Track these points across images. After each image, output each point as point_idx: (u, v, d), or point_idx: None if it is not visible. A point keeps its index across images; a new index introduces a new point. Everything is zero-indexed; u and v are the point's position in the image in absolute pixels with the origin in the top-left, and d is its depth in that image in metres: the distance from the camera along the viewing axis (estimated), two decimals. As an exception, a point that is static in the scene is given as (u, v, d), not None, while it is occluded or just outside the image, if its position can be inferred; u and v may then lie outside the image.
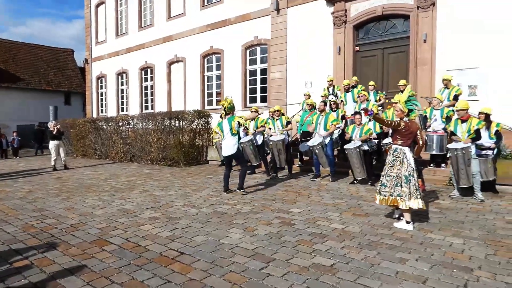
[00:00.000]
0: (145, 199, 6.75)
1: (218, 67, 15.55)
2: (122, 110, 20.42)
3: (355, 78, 9.78)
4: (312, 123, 8.29)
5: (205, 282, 3.29)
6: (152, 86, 18.58)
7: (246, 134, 9.01)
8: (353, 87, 9.57)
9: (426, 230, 4.62)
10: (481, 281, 3.21)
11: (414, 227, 4.68)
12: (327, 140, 8.01)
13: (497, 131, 6.52)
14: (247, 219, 5.27)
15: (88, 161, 14.37)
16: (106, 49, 20.97)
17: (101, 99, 22.02)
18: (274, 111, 8.92)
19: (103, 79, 21.57)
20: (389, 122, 5.03)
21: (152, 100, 18.63)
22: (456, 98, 7.88)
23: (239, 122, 6.80)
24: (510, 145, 7.53)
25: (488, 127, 6.50)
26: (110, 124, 14.57)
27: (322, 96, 9.94)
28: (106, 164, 12.91)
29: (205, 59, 16.08)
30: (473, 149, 6.22)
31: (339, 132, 8.82)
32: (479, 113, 6.61)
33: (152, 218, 5.39)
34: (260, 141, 8.93)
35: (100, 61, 21.40)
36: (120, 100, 20.65)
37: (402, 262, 3.63)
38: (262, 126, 8.94)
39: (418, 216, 5.12)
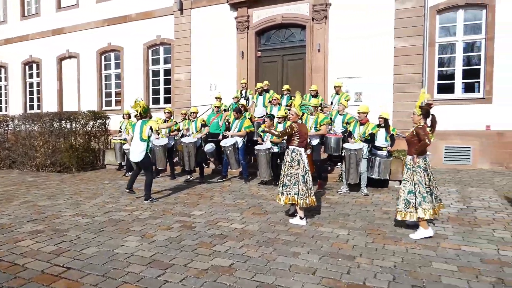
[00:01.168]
0: (27, 210, 5.97)
1: (118, 66, 14.65)
2: (0, 110, 17.85)
3: (266, 82, 10.03)
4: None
5: (94, 296, 3.04)
6: (38, 84, 16.62)
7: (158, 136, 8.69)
8: (266, 91, 9.82)
9: (317, 224, 5.00)
10: (361, 267, 3.58)
11: (307, 222, 5.02)
12: (240, 143, 8.12)
13: (392, 135, 7.27)
14: (146, 225, 5.04)
15: (-46, 168, 12.15)
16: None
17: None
18: (191, 113, 8.73)
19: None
20: (281, 133, 5.33)
21: (38, 99, 16.67)
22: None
23: (151, 127, 6.39)
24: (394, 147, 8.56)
25: (386, 130, 7.20)
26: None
27: (233, 98, 10.00)
28: (-21, 172, 11.08)
29: (103, 56, 15.00)
30: (364, 150, 6.90)
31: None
32: (379, 117, 7.28)
33: (33, 232, 4.79)
34: (171, 144, 8.74)
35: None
36: (-3, 99, 18.05)
37: (295, 256, 3.86)
38: (176, 130, 8.76)
39: (311, 211, 5.51)
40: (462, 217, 5.27)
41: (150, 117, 6.78)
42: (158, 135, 8.53)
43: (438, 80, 10.06)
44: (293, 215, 5.26)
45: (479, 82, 9.67)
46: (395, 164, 7.53)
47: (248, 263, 3.70)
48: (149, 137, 6.42)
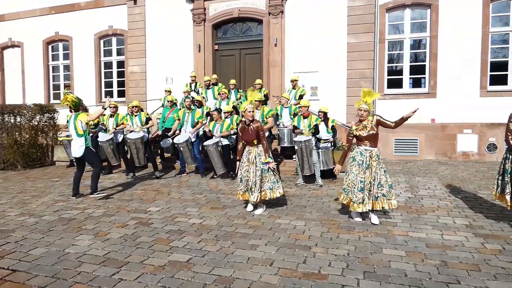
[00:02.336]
0: (-34, 211, 5.53)
1: (67, 56, 13.88)
2: None
3: (214, 76, 10.04)
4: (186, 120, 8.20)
5: (43, 299, 2.89)
6: (-24, 75, 15.32)
7: (105, 131, 8.32)
8: (214, 84, 9.80)
9: (275, 216, 5.09)
10: (317, 256, 3.70)
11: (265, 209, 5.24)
12: (193, 138, 8.01)
13: (333, 126, 7.66)
14: (99, 223, 4.86)
15: None
16: None
17: None
18: (133, 107, 8.43)
19: None
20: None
21: (-23, 91, 15.38)
22: (301, 97, 8.89)
23: (81, 121, 6.06)
24: (342, 138, 8.93)
25: (326, 123, 7.56)
26: None
27: (184, 92, 9.88)
28: None
29: (50, 46, 14.14)
30: (313, 142, 7.15)
31: (203, 129, 8.92)
32: (319, 112, 7.63)
33: (-26, 234, 4.46)
34: (120, 139, 8.36)
35: None
36: None
37: (253, 249, 3.90)
38: (122, 123, 8.39)
39: (269, 204, 5.60)
40: (410, 205, 5.59)
41: (85, 110, 6.40)
42: (106, 130, 8.22)
43: (388, 75, 10.56)
44: (256, 207, 5.33)
45: (425, 78, 10.27)
46: (339, 155, 7.78)
47: (206, 257, 3.69)
48: (84, 131, 6.09)
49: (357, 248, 3.88)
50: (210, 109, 9.58)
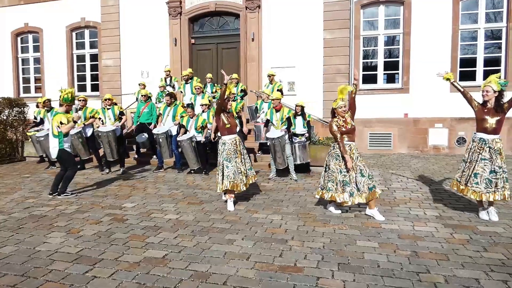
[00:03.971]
0: None
1: (37, 49, 13.37)
2: None
3: (189, 70, 9.90)
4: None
5: (12, 299, 2.80)
6: None
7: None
8: (190, 78, 9.69)
9: (252, 211, 5.11)
10: (293, 249, 3.74)
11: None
12: (174, 131, 7.94)
13: (308, 121, 7.76)
14: (72, 220, 4.74)
15: None
16: None
17: None
18: (105, 99, 8.23)
19: None
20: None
21: None
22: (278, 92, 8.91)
23: (56, 122, 5.80)
24: (318, 132, 9.05)
25: (303, 118, 7.62)
26: None
27: (160, 87, 9.73)
28: None
29: (19, 38, 13.57)
30: (286, 137, 7.16)
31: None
32: (296, 106, 7.69)
33: None
34: (89, 133, 8.13)
35: None
36: None
37: (230, 243, 3.91)
38: (92, 117, 8.13)
39: (246, 199, 5.62)
40: (383, 197, 5.73)
41: (67, 111, 6.08)
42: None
43: (363, 71, 10.75)
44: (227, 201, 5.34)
45: (398, 74, 10.52)
46: (325, 150, 7.88)
47: (182, 253, 3.67)
48: (59, 132, 5.83)
49: (332, 241, 3.96)
50: (184, 103, 9.49)
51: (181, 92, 9.74)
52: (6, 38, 13.43)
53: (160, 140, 7.78)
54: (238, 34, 11.11)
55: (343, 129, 4.73)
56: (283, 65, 10.61)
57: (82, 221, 4.68)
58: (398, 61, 10.48)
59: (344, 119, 4.77)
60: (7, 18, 13.26)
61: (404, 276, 3.13)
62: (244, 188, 5.30)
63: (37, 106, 9.22)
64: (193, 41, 11.63)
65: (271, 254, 3.62)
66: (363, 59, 10.73)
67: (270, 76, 9.28)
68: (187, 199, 5.77)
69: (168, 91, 9.27)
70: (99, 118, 8.05)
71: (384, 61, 10.61)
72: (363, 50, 10.69)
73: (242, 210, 5.13)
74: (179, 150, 8.02)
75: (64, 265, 3.38)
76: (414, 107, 10.17)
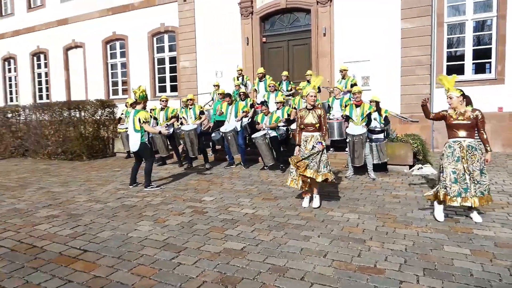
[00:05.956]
0: (42, 196, 6.10)
1: (123, 54, 14.65)
2: (11, 100, 18.05)
3: (261, 69, 10.00)
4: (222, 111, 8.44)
5: (112, 278, 3.12)
6: (46, 74, 16.71)
7: (157, 124, 8.73)
8: (263, 77, 9.81)
9: (327, 208, 5.03)
10: (372, 250, 3.61)
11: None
12: (238, 128, 8.18)
13: (386, 116, 7.39)
14: (158, 210, 5.12)
15: (-33, 159, 12.39)
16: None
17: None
18: (188, 100, 8.75)
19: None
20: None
21: (47, 89, 16.80)
22: (352, 86, 8.63)
23: (139, 119, 6.29)
24: (395, 129, 8.57)
25: (379, 113, 7.29)
26: (-4, 116, 12.73)
27: (235, 86, 10.03)
28: (-9, 162, 11.29)
29: (108, 46, 14.99)
30: (366, 134, 6.91)
31: (248, 120, 9.02)
32: (370, 101, 7.37)
33: (49, 217, 4.91)
34: (170, 132, 8.71)
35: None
36: (8, 89, 18.22)
37: (306, 240, 3.90)
38: (173, 117, 8.74)
39: (322, 196, 5.53)
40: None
41: (144, 107, 6.56)
42: (157, 123, 8.59)
43: (447, 61, 9.88)
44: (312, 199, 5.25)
45: (490, 63, 9.49)
46: (404, 148, 7.45)
47: (259, 246, 3.75)
48: (141, 127, 6.32)
49: (416, 244, 3.72)
50: (254, 101, 9.68)
51: (256, 90, 9.92)
52: (98, 46, 14.93)
53: (229, 137, 8.05)
54: (309, 30, 10.97)
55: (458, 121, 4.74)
56: (357, 59, 10.22)
57: (167, 212, 5.03)
58: (489, 48, 9.42)
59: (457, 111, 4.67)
60: (98, 28, 14.72)
61: None
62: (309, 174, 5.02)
63: (126, 106, 10.15)
64: (264, 39, 11.77)
65: (349, 253, 3.53)
66: (447, 48, 9.86)
67: (342, 71, 9.02)
68: (262, 195, 5.88)
69: (242, 91, 9.48)
70: (181, 117, 8.59)
71: (473, 49, 9.63)
72: (447, 38, 9.83)
73: (317, 207, 5.07)
74: (244, 146, 8.27)
75: (153, 251, 3.67)
76: (511, 99, 9.08)
